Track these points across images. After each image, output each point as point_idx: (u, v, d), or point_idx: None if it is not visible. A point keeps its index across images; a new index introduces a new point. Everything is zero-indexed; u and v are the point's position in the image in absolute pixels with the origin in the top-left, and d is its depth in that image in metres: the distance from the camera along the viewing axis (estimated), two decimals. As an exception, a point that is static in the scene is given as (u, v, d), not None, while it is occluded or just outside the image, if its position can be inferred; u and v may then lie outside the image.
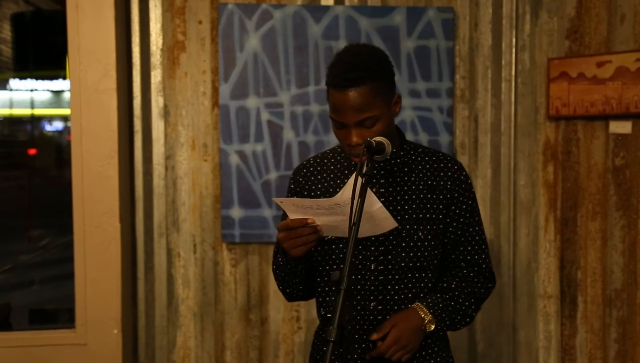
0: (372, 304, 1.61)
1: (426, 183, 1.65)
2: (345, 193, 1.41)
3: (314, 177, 1.71)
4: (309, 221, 1.47)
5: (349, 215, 1.41)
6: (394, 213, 1.61)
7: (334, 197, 1.43)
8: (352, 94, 1.50)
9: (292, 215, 1.50)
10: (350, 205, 1.40)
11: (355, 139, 1.52)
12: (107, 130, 2.65)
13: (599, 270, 2.87)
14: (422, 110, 2.80)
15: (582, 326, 2.90)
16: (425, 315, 1.57)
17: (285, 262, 1.63)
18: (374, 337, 1.54)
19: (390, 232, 1.59)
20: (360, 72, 1.50)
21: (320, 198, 1.65)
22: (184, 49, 2.80)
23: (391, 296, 1.61)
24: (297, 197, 1.70)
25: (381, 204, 1.45)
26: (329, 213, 1.46)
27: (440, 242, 1.65)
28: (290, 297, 1.74)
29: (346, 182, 1.65)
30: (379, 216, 1.48)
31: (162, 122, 2.81)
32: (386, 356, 1.54)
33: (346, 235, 1.52)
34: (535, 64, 2.89)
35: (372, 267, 1.60)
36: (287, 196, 1.75)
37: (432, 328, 1.58)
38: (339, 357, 1.55)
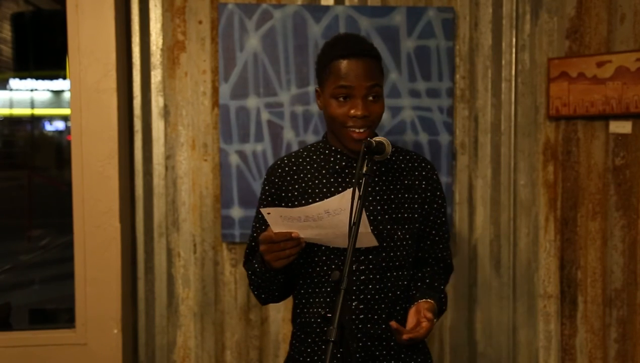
0: (353, 304, 1.61)
1: (403, 183, 1.67)
2: (338, 202, 1.39)
3: (289, 177, 1.69)
4: (292, 235, 1.46)
5: (335, 228, 1.43)
6: (374, 213, 1.63)
7: (325, 202, 1.41)
8: (366, 61, 1.56)
9: (275, 228, 1.48)
10: (339, 216, 1.40)
11: (361, 111, 1.55)
12: (107, 130, 2.65)
13: (599, 270, 2.87)
14: (422, 110, 2.80)
15: (582, 326, 2.90)
16: (434, 317, 1.59)
17: (264, 271, 1.61)
18: (429, 316, 1.51)
19: (372, 232, 1.57)
20: (371, 47, 1.60)
21: (297, 199, 1.65)
22: (184, 49, 2.80)
23: (372, 295, 1.62)
24: (273, 198, 1.69)
25: (369, 230, 1.46)
26: (315, 226, 1.45)
27: (415, 241, 1.68)
28: (264, 301, 1.73)
29: (326, 182, 1.65)
30: (364, 238, 1.47)
31: (162, 122, 2.81)
32: (401, 337, 1.50)
33: (329, 244, 1.56)
34: (535, 64, 2.89)
35: (354, 268, 1.61)
36: (262, 198, 1.73)
37: None
38: (340, 357, 1.55)
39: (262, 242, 1.50)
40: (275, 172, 1.71)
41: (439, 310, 1.65)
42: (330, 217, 1.42)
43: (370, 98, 1.56)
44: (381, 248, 1.61)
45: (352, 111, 1.56)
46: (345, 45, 1.59)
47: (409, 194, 1.67)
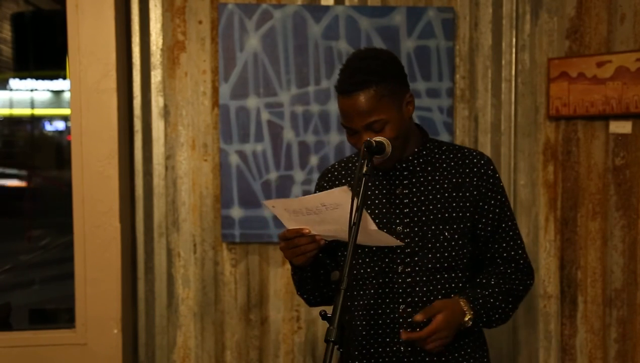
0: (401, 307, 1.59)
1: (451, 182, 1.62)
2: (331, 196, 1.41)
3: (338, 182, 1.71)
4: (305, 231, 1.47)
5: (339, 223, 1.43)
6: (418, 213, 1.60)
7: (318, 195, 1.43)
8: (357, 98, 1.51)
9: (287, 224, 1.50)
10: (337, 211, 1.41)
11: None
12: (107, 130, 2.65)
13: (599, 270, 2.86)
14: (422, 110, 2.80)
15: (582, 326, 2.90)
16: (467, 311, 1.54)
17: (294, 270, 1.65)
18: (418, 317, 1.49)
19: (416, 233, 1.58)
20: (363, 76, 1.51)
21: None
22: (184, 49, 2.80)
23: (419, 298, 1.59)
24: None
25: (376, 227, 1.45)
26: (319, 220, 1.46)
27: (469, 241, 1.62)
28: (308, 302, 1.74)
29: (370, 185, 1.64)
30: (377, 236, 1.48)
31: (162, 122, 2.81)
32: (422, 343, 1.49)
33: (346, 240, 1.54)
34: (535, 64, 2.88)
35: (400, 270, 1.59)
36: None
37: (470, 325, 1.55)
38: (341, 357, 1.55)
39: (279, 240, 1.53)
40: (325, 176, 1.74)
41: (477, 307, 1.56)
42: (329, 211, 1.43)
43: (372, 131, 1.52)
44: (427, 249, 1.58)
45: (357, 145, 1.57)
46: (342, 78, 1.55)
47: (457, 193, 1.61)
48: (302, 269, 1.60)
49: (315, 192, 1.74)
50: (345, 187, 1.39)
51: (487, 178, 1.63)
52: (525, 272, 1.68)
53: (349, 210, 1.37)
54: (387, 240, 1.51)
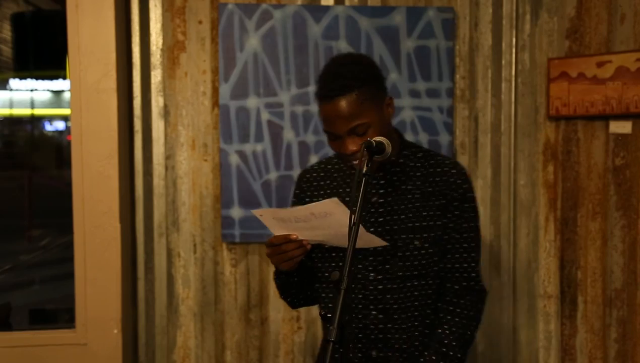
0: (372, 312, 1.61)
1: (422, 191, 1.63)
2: (321, 207, 1.42)
3: (316, 183, 1.72)
4: (292, 237, 1.48)
5: (329, 228, 1.44)
6: (390, 222, 1.62)
7: (308, 206, 1.44)
8: (339, 103, 1.51)
9: (275, 231, 1.51)
10: (326, 219, 1.42)
11: (350, 147, 1.53)
12: (107, 130, 2.65)
13: (599, 270, 2.87)
14: (422, 110, 2.80)
15: (582, 326, 2.90)
16: None
17: (278, 275, 1.66)
18: None
19: (387, 241, 1.59)
20: (344, 80, 1.51)
21: None
22: (184, 49, 2.80)
23: (390, 305, 1.61)
24: (303, 203, 1.71)
25: (363, 229, 1.46)
26: (308, 227, 1.46)
27: (440, 250, 1.63)
28: (291, 304, 1.76)
29: (348, 190, 1.66)
30: (364, 237, 1.48)
31: (162, 122, 2.81)
32: None
33: (333, 245, 1.56)
34: (535, 64, 2.88)
35: (371, 277, 1.61)
36: (292, 202, 1.78)
37: None
38: (340, 357, 1.55)
39: (266, 246, 1.53)
40: (304, 177, 1.75)
41: None
42: (318, 219, 1.44)
43: (355, 135, 1.52)
44: (397, 257, 1.60)
45: (340, 150, 1.56)
46: (323, 84, 1.55)
47: (427, 202, 1.62)
48: (289, 274, 1.62)
49: (294, 191, 1.76)
50: (335, 199, 1.40)
51: (455, 187, 1.63)
52: (476, 293, 1.66)
53: (338, 218, 1.39)
54: (372, 241, 1.51)
